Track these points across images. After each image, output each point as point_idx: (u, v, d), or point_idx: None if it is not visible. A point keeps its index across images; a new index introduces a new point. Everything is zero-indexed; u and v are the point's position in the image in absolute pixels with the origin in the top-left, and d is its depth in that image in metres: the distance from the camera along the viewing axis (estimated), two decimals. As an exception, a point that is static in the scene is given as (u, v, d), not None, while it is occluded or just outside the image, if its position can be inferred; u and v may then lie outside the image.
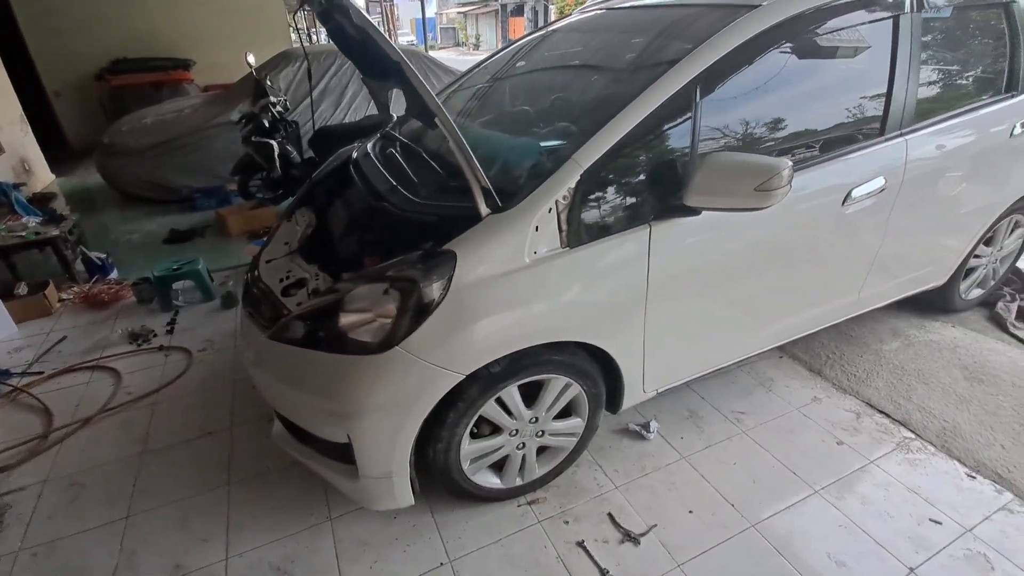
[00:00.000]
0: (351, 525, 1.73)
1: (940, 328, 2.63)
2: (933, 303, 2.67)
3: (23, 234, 3.16)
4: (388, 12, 21.73)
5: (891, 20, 1.79)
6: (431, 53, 9.39)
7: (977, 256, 2.51)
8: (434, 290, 1.35)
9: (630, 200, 1.49)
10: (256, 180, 4.62)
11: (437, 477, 1.61)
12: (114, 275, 3.50)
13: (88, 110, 7.30)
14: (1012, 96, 2.12)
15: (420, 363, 1.35)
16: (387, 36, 1.44)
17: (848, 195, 1.78)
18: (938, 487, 1.83)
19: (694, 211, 1.49)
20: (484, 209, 1.41)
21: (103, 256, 3.51)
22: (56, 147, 6.89)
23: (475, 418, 1.53)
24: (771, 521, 1.72)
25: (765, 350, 2.11)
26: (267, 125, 4.09)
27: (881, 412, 2.18)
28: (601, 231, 1.47)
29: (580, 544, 1.65)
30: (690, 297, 1.69)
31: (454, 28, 42.32)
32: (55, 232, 3.22)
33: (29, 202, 4.95)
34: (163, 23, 7.59)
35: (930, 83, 1.97)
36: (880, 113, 1.83)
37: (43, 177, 5.81)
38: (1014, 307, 2.65)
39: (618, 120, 1.44)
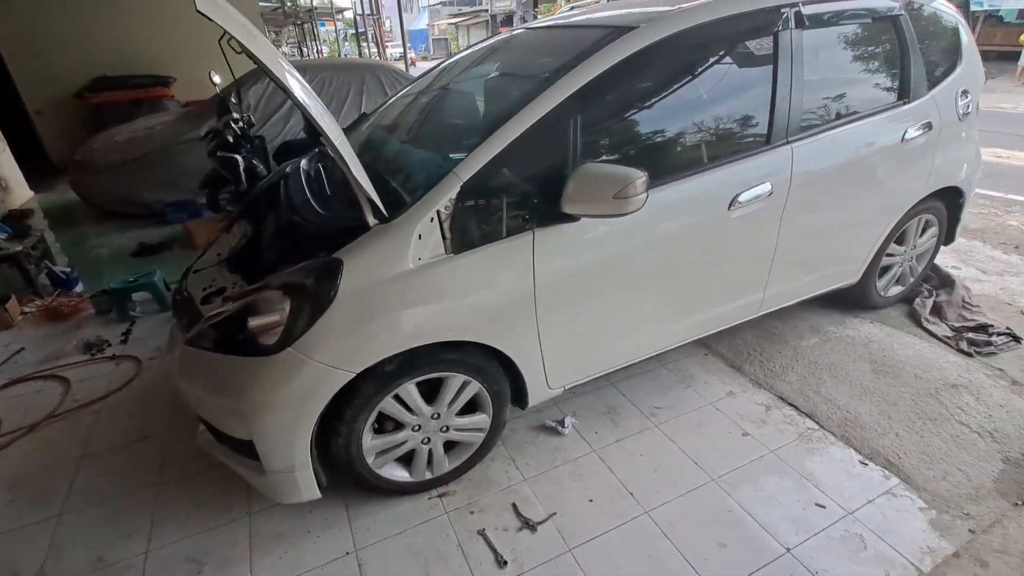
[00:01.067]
0: (268, 519, 1.83)
1: (858, 324, 2.74)
2: (854, 300, 2.79)
3: (-13, 250, 3.27)
4: (378, 26, 21.96)
5: (771, 37, 1.92)
6: (424, 63, 9.53)
7: (890, 255, 2.63)
8: (321, 295, 1.46)
9: (512, 209, 1.61)
10: (225, 193, 4.74)
11: (344, 471, 1.71)
12: (79, 288, 3.62)
13: (70, 128, 7.43)
14: (903, 104, 2.25)
15: (311, 363, 1.46)
16: (280, 62, 1.56)
17: (734, 200, 1.90)
18: (830, 474, 1.93)
19: (573, 217, 1.61)
20: (371, 220, 1.53)
21: (67, 270, 3.63)
22: (38, 164, 7.02)
23: (374, 414, 1.64)
24: (665, 508, 1.82)
25: (674, 346, 2.21)
26: (231, 140, 4.22)
27: (790, 405, 2.28)
28: (485, 238, 1.59)
29: (480, 532, 1.75)
30: (583, 299, 1.80)
31: (446, 39, 42.81)
32: (18, 248, 3.34)
33: (5, 219, 5.09)
34: (143, 41, 7.76)
35: (819, 93, 2.10)
36: (765, 123, 1.95)
37: (21, 194, 5.93)
38: (929, 302, 2.77)
39: (497, 136, 1.57)
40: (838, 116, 2.13)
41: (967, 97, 2.42)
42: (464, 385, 1.75)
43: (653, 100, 1.81)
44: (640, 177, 1.45)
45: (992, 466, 1.94)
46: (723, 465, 1.98)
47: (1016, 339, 2.52)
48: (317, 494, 1.67)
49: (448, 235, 1.55)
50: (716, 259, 2.01)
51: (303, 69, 5.34)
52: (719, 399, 2.33)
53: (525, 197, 1.62)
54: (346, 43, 29.09)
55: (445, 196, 1.53)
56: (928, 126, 2.29)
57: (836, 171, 2.13)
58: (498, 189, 1.59)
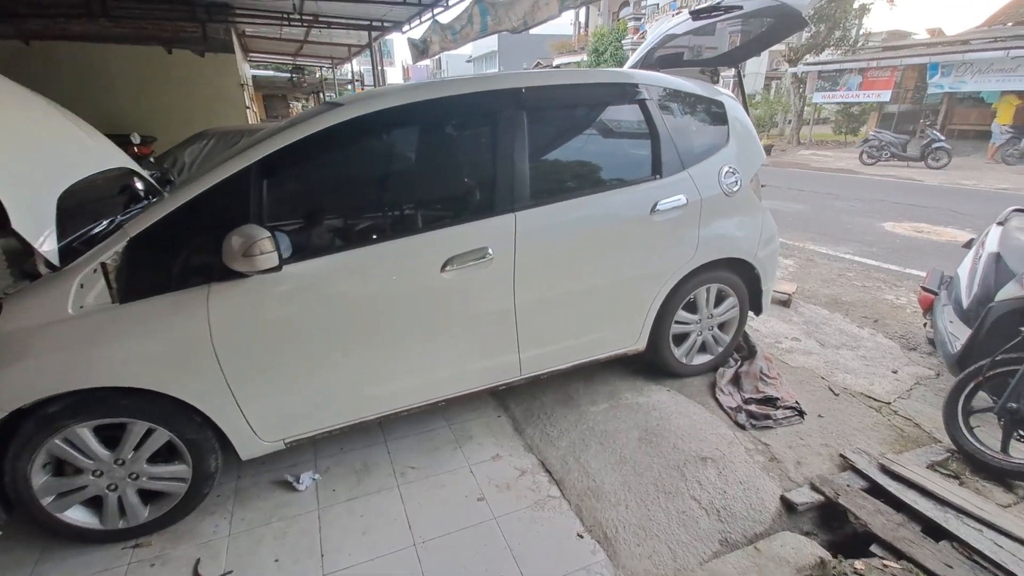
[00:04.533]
0: (-45, 560, 1.84)
1: (654, 391, 2.72)
2: (657, 368, 2.78)
3: None
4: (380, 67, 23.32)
5: (493, 116, 2.08)
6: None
7: (682, 323, 2.65)
8: None
9: (186, 263, 1.73)
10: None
11: (23, 512, 1.74)
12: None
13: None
14: (654, 179, 2.36)
15: (-43, 400, 1.54)
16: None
17: (447, 263, 1.99)
18: (540, 545, 1.88)
19: (242, 274, 1.72)
20: (42, 268, 1.66)
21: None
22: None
23: (40, 454, 1.69)
24: (345, 572, 1.78)
25: (414, 406, 2.23)
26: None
27: (547, 471, 2.25)
28: (155, 289, 1.70)
29: (146, 586, 1.74)
30: (279, 354, 1.87)
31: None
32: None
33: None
34: (130, 104, 8.48)
35: (554, 168, 2.24)
36: (485, 193, 2.08)
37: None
38: (730, 372, 2.75)
39: (173, 195, 1.72)
40: (575, 189, 2.25)
41: (735, 175, 2.52)
42: (149, 432, 1.80)
43: (356, 170, 1.97)
44: (260, 237, 1.56)
45: (706, 547, 1.87)
46: (435, 530, 1.95)
47: (800, 414, 2.47)
48: (-16, 534, 1.70)
49: (114, 285, 1.66)
50: (434, 319, 2.07)
51: (239, 135, 5.77)
52: (480, 462, 2.31)
53: (201, 252, 1.74)
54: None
55: (111, 249, 1.66)
56: (684, 199, 2.38)
57: (574, 239, 2.22)
58: (172, 244, 1.71)
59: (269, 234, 1.58)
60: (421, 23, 8.65)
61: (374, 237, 1.93)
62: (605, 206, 2.27)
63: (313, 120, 1.86)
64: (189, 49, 9.02)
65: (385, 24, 9.58)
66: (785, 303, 3.77)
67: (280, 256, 1.63)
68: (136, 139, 4.59)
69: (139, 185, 2.80)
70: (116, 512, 1.85)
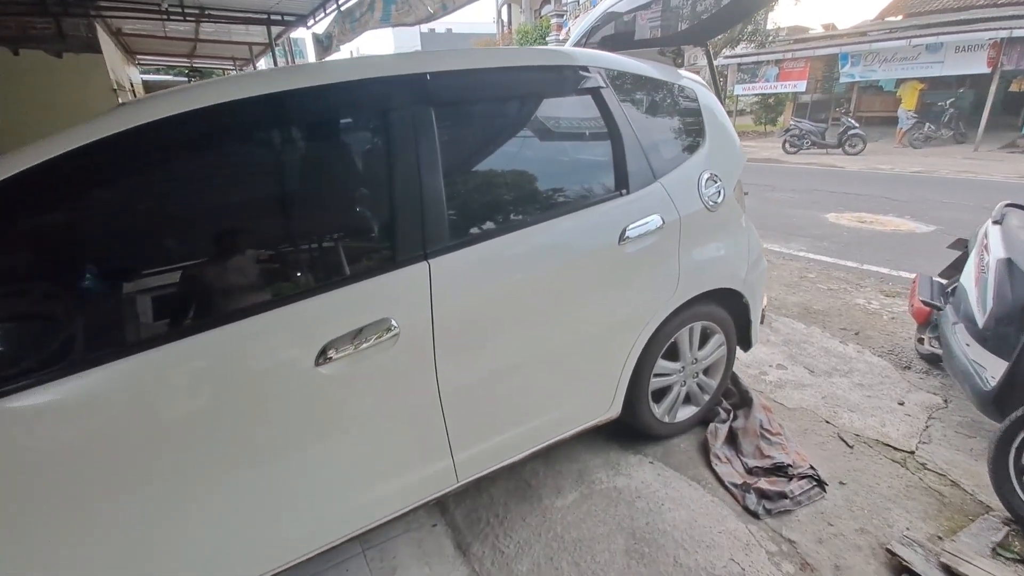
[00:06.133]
0: None
1: (634, 467, 2.10)
2: (635, 431, 2.18)
3: None
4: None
5: (378, 116, 1.37)
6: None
7: (662, 375, 2.06)
8: None
9: None
10: None
11: None
12: None
13: None
14: (619, 195, 1.74)
15: None
16: None
17: (324, 350, 1.26)
18: None
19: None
20: None
21: None
22: None
23: None
24: None
25: (296, 561, 1.48)
26: None
27: (504, 621, 1.57)
28: None
29: None
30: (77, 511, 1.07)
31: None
32: None
33: None
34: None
35: (482, 191, 1.56)
36: (380, 234, 1.37)
37: None
38: (723, 430, 2.19)
39: None
40: (513, 217, 1.58)
41: (716, 183, 1.95)
42: None
43: (151, 213, 1.19)
44: None
45: None
46: None
47: (820, 484, 1.94)
48: None
49: None
50: (317, 434, 1.33)
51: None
52: (409, 614, 1.60)
53: None
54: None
55: None
56: (660, 220, 1.78)
57: (517, 288, 1.55)
58: None
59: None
60: (326, 15, 7.68)
61: (187, 325, 1.16)
62: (556, 238, 1.61)
63: (66, 135, 1.07)
64: (42, 49, 7.52)
65: (286, 18, 8.50)
66: (760, 319, 3.30)
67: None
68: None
69: None
70: None
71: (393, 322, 1.34)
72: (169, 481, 1.16)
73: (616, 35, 2.46)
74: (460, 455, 1.60)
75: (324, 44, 8.08)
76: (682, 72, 2.11)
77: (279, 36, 9.66)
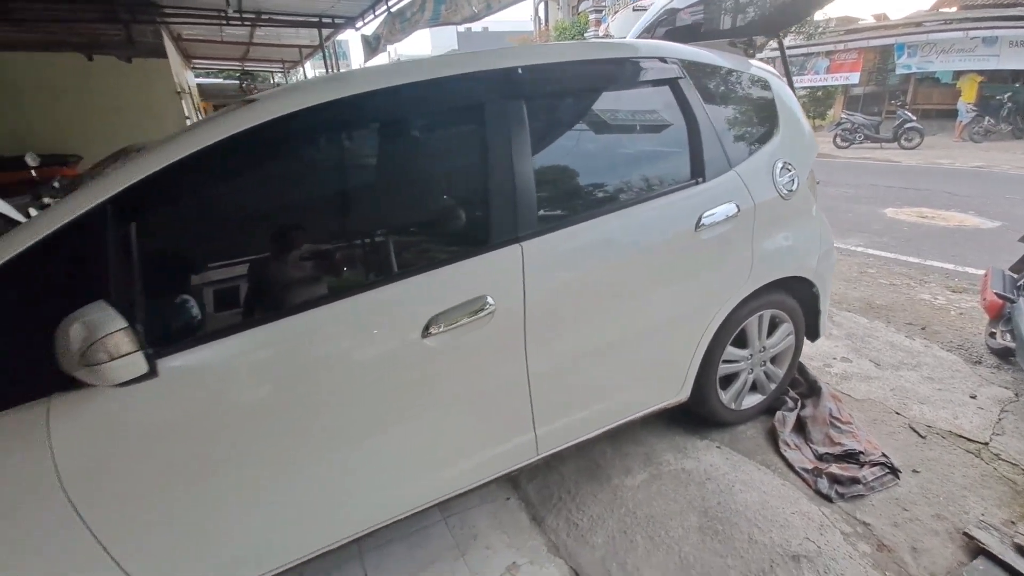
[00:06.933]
0: None
1: (702, 451, 2.15)
2: (700, 416, 2.22)
3: None
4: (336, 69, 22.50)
5: (475, 110, 1.46)
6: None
7: (731, 361, 2.09)
8: None
9: (8, 370, 1.05)
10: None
11: None
12: None
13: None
14: (696, 183, 1.79)
15: None
16: None
17: (429, 324, 1.37)
18: None
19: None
20: None
21: None
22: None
23: None
24: None
25: (394, 519, 1.59)
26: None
27: (583, 586, 1.66)
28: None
29: None
30: (189, 485, 1.21)
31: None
32: None
33: None
34: (43, 119, 7.48)
35: (569, 178, 1.64)
36: (477, 220, 1.47)
37: None
38: (791, 418, 2.20)
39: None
40: (600, 203, 1.66)
41: (790, 171, 1.97)
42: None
43: (277, 200, 1.32)
44: (107, 332, 0.91)
45: None
46: None
47: (893, 471, 1.94)
48: None
49: None
50: (419, 404, 1.44)
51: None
52: (493, 577, 1.70)
53: (29, 351, 1.07)
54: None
55: None
56: (735, 208, 1.82)
57: (600, 271, 1.63)
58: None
59: (125, 323, 0.93)
60: (375, 16, 7.91)
61: (311, 299, 1.29)
62: (635, 224, 1.68)
63: (206, 127, 1.21)
64: (113, 55, 8.03)
65: (336, 20, 8.78)
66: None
67: (148, 356, 0.98)
68: (33, 160, 3.79)
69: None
70: None
71: (489, 300, 1.43)
72: (308, 430, 1.30)
73: (683, 28, 2.49)
74: (542, 429, 1.69)
75: (372, 45, 8.30)
76: (754, 62, 2.13)
77: (328, 38, 9.97)
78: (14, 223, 1.99)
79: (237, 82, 16.97)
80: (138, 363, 0.96)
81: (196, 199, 1.22)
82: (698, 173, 1.79)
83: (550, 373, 1.61)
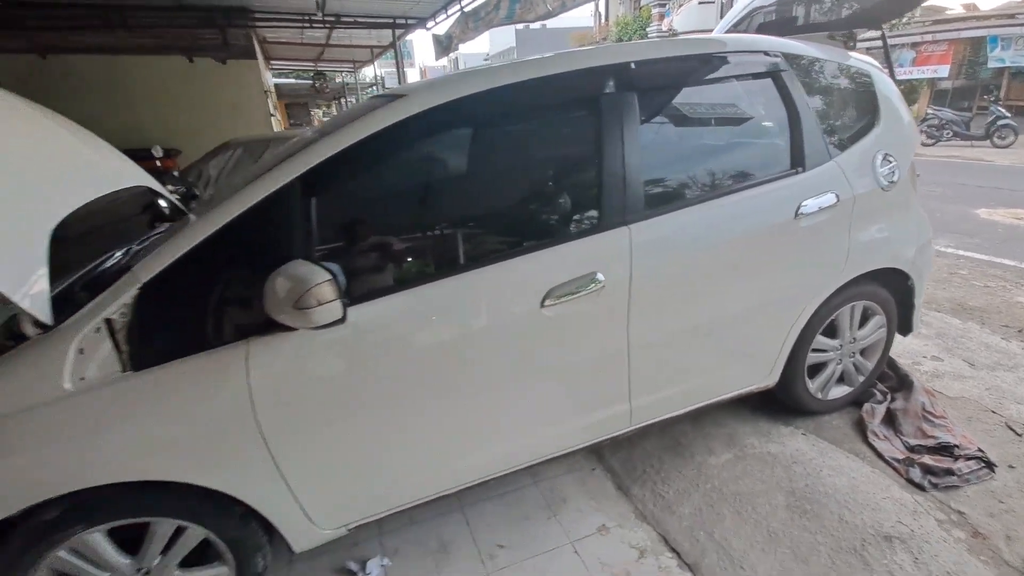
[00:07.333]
0: None
1: (786, 436, 2.20)
2: (785, 404, 2.26)
3: None
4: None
5: (591, 102, 1.59)
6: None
7: (820, 350, 2.13)
8: None
9: (216, 315, 1.29)
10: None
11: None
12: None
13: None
14: (796, 173, 1.84)
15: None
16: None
17: (547, 295, 1.52)
18: (689, 670, 1.40)
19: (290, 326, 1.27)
20: (29, 329, 1.24)
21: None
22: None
23: (41, 571, 1.27)
24: None
25: (502, 473, 1.76)
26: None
27: (672, 550, 1.76)
28: (176, 351, 1.26)
29: None
30: (337, 421, 1.42)
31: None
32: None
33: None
34: (151, 116, 8.25)
35: (674, 166, 1.75)
36: (589, 203, 1.60)
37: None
38: (881, 410, 2.20)
39: (192, 229, 1.28)
40: (702, 191, 1.75)
41: (891, 162, 1.98)
42: (180, 531, 1.38)
43: (428, 179, 1.50)
44: (320, 281, 1.11)
45: (927, 674, 1.36)
46: (547, 645, 1.48)
47: (989, 466, 1.92)
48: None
49: (124, 347, 1.23)
50: (533, 367, 1.60)
51: (265, 143, 5.41)
52: (584, 536, 1.84)
53: (235, 300, 1.30)
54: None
55: (118, 301, 1.23)
56: (834, 198, 1.86)
57: (701, 255, 1.72)
58: (195, 292, 1.28)
59: (330, 275, 1.13)
60: (448, 16, 8.19)
61: (458, 266, 1.47)
62: (738, 211, 1.76)
63: (370, 117, 1.41)
64: (211, 57, 8.74)
65: (409, 21, 9.15)
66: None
67: (344, 305, 1.18)
68: (158, 152, 4.27)
69: (161, 204, 2.41)
70: (141, 630, 1.44)
71: (599, 276, 1.57)
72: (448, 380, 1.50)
73: (779, 21, 2.52)
74: (637, 401, 1.81)
75: (443, 44, 8.61)
76: (853, 54, 2.15)
77: (399, 38, 10.38)
78: (175, 208, 2.30)
79: (309, 82, 17.93)
80: (337, 310, 1.16)
81: (365, 178, 1.42)
82: (798, 163, 1.85)
83: (649, 347, 1.72)
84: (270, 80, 14.24)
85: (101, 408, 1.22)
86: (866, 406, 2.24)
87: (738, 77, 1.83)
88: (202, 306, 1.28)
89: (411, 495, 1.63)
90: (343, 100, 20.65)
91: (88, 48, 7.87)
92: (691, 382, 1.90)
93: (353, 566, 1.75)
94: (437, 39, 8.83)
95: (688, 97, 1.80)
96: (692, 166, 1.78)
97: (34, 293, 1.21)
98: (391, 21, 9.03)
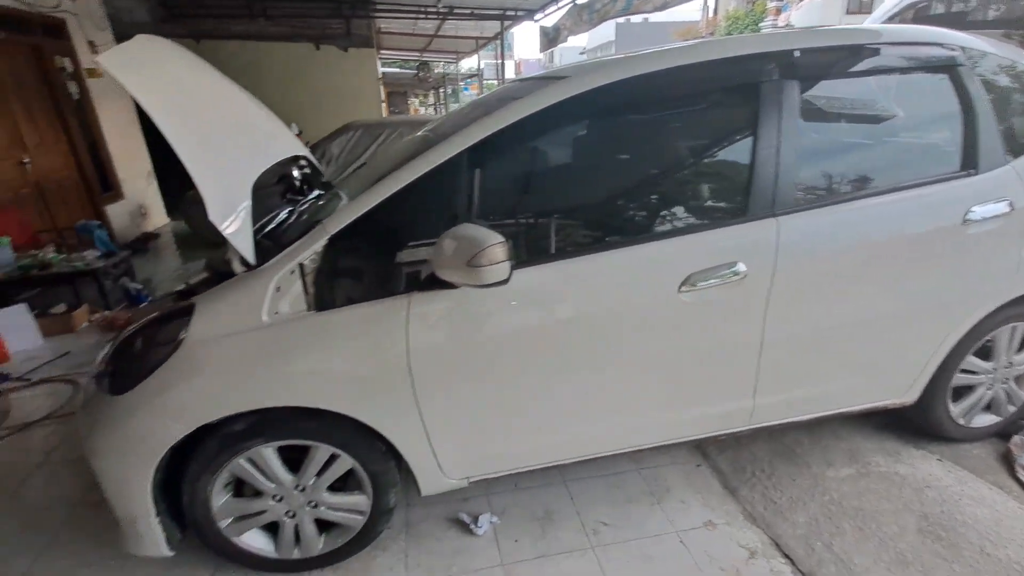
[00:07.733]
0: (136, 568, 1.73)
1: (918, 460, 2.04)
2: (919, 426, 2.10)
3: (77, 264, 3.83)
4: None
5: (750, 89, 1.57)
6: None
7: (969, 371, 1.96)
8: (168, 340, 1.40)
9: (386, 268, 1.44)
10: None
11: (196, 533, 1.58)
12: (145, 304, 4.08)
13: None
14: (967, 175, 1.70)
15: (144, 410, 1.38)
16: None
17: (686, 280, 1.53)
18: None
19: (451, 284, 1.38)
20: (237, 266, 1.45)
21: (139, 287, 4.12)
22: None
23: (223, 474, 1.49)
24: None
25: (616, 452, 1.79)
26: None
27: (785, 556, 1.72)
28: (351, 297, 1.42)
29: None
30: (479, 381, 1.53)
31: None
32: (100, 264, 3.87)
33: (136, 240, 6.03)
34: (281, 98, 9.02)
35: (831, 159, 1.68)
36: (740, 191, 1.58)
37: (157, 220, 7.04)
38: (1035, 445, 1.99)
39: (375, 188, 1.43)
40: (857, 187, 1.67)
41: (1079, 170, 1.77)
42: (333, 458, 1.55)
43: (582, 158, 1.56)
44: (493, 243, 1.20)
45: None
46: (653, 624, 1.51)
47: None
48: (165, 551, 1.55)
49: (311, 290, 1.41)
50: (663, 350, 1.61)
51: (383, 127, 5.76)
52: (691, 529, 1.84)
53: (406, 255, 1.44)
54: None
55: (310, 248, 1.40)
56: (1008, 207, 1.70)
57: (851, 255, 1.64)
58: (372, 246, 1.43)
59: (502, 239, 1.22)
60: (558, 8, 8.24)
61: (606, 242, 1.52)
62: (896, 211, 1.66)
63: (536, 95, 1.48)
64: (335, 45, 9.43)
65: (518, 13, 9.31)
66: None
67: (512, 266, 1.27)
68: (295, 129, 4.70)
69: (307, 174, 2.67)
70: (291, 541, 1.64)
71: (741, 266, 1.55)
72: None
73: (942, 15, 2.32)
74: (762, 399, 1.77)
75: (550, 36, 8.67)
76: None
77: (506, 29, 10.58)
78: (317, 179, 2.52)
79: (413, 71, 18.76)
80: (505, 270, 1.26)
81: (526, 152, 1.51)
82: (970, 164, 1.70)
83: (784, 345, 1.68)
84: (379, 68, 15.07)
85: (288, 340, 1.40)
86: (1015, 438, 2.03)
87: (909, 70, 1.71)
88: (376, 259, 1.43)
89: (532, 459, 1.72)
90: (442, 90, 21.42)
91: (233, 35, 8.77)
92: (821, 387, 1.82)
93: (466, 518, 1.88)
94: (544, 31, 8.90)
95: (850, 89, 1.72)
96: (849, 160, 1.70)
97: (243, 237, 1.42)
98: (500, 13, 9.23)
